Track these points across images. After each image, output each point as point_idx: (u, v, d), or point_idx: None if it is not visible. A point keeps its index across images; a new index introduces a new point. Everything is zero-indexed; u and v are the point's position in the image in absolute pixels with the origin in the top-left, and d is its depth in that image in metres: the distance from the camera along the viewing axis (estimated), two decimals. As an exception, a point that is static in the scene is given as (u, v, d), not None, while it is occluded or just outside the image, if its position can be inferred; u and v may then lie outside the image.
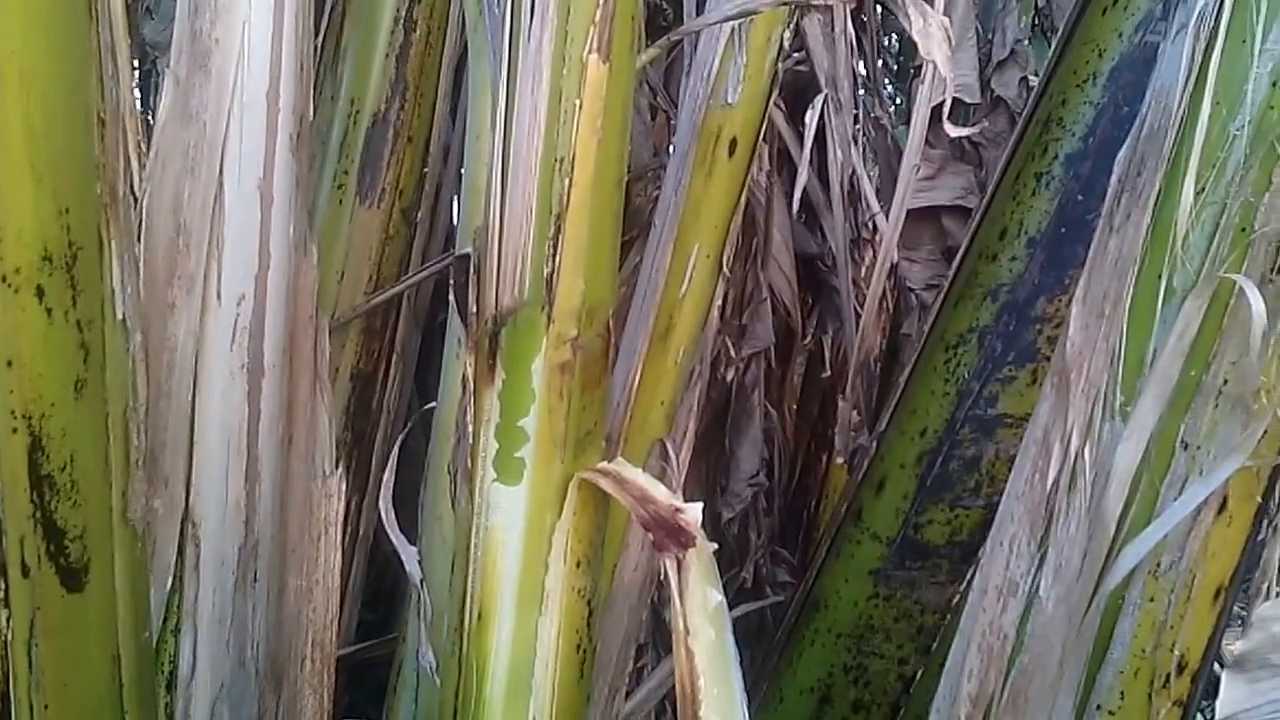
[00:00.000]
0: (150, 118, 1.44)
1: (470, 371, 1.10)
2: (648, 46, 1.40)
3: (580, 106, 1.03)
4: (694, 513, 1.07)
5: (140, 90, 3.45)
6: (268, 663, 1.57)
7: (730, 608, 1.10)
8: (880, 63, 2.76)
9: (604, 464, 1.13)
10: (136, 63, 3.33)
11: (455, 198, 2.06)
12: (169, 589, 1.47)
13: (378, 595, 2.31)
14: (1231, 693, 1.20)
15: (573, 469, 1.11)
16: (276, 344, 1.52)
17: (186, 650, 1.50)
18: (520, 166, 1.04)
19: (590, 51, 1.02)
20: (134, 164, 1.23)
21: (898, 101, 3.33)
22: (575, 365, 1.09)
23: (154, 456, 1.42)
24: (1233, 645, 1.21)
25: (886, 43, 3.18)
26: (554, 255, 1.05)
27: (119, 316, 1.13)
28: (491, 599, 1.12)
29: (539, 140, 1.03)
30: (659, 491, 1.09)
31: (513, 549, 1.11)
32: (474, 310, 1.09)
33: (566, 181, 1.04)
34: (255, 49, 1.44)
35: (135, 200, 1.24)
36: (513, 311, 1.06)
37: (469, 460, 1.12)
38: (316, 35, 1.83)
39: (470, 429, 1.11)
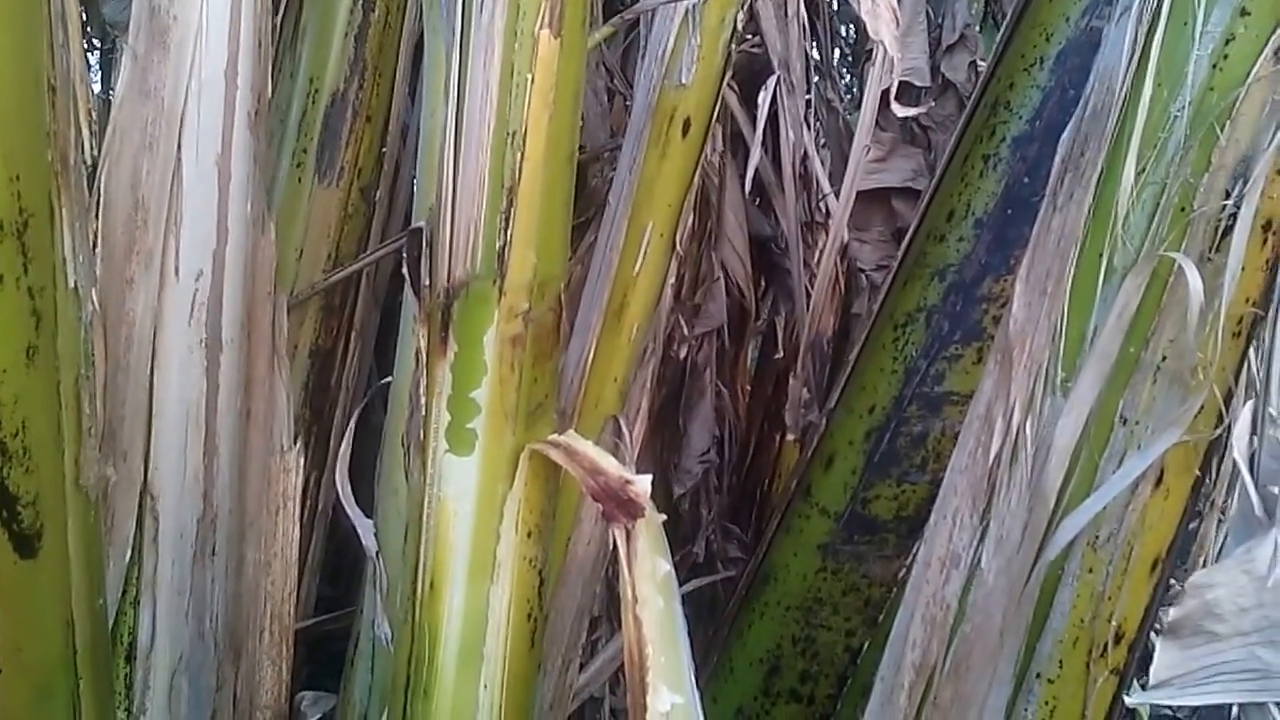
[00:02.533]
0: (110, 98, 1.45)
1: (423, 344, 1.11)
2: (603, 25, 1.41)
3: (532, 81, 1.04)
4: (643, 484, 1.08)
5: (101, 71, 3.44)
6: (226, 634, 1.58)
7: (682, 583, 1.12)
8: (835, 50, 2.78)
9: (555, 436, 1.14)
10: (97, 43, 3.32)
11: (414, 177, 2.07)
12: (128, 561, 1.48)
13: (338, 571, 2.32)
14: (1165, 658, 1.23)
15: (524, 440, 1.12)
16: (235, 320, 1.53)
17: (145, 622, 1.51)
18: (472, 140, 1.05)
19: (542, 26, 1.03)
20: (85, 132, 1.24)
21: (852, 91, 3.35)
22: (526, 338, 1.10)
23: (112, 430, 1.43)
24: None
25: (843, 31, 3.20)
26: (506, 229, 1.06)
27: (71, 284, 1.13)
28: (444, 568, 1.13)
29: (491, 114, 1.04)
30: (608, 463, 1.10)
31: (464, 519, 1.12)
32: (427, 283, 1.10)
33: (518, 156, 1.05)
34: (213, 26, 1.45)
35: (87, 169, 1.25)
36: (465, 284, 1.07)
37: (421, 431, 1.13)
38: (275, 13, 1.84)
39: (423, 401, 1.12)
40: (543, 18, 1.03)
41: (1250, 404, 1.22)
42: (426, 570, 1.14)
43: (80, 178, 1.16)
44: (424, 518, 1.13)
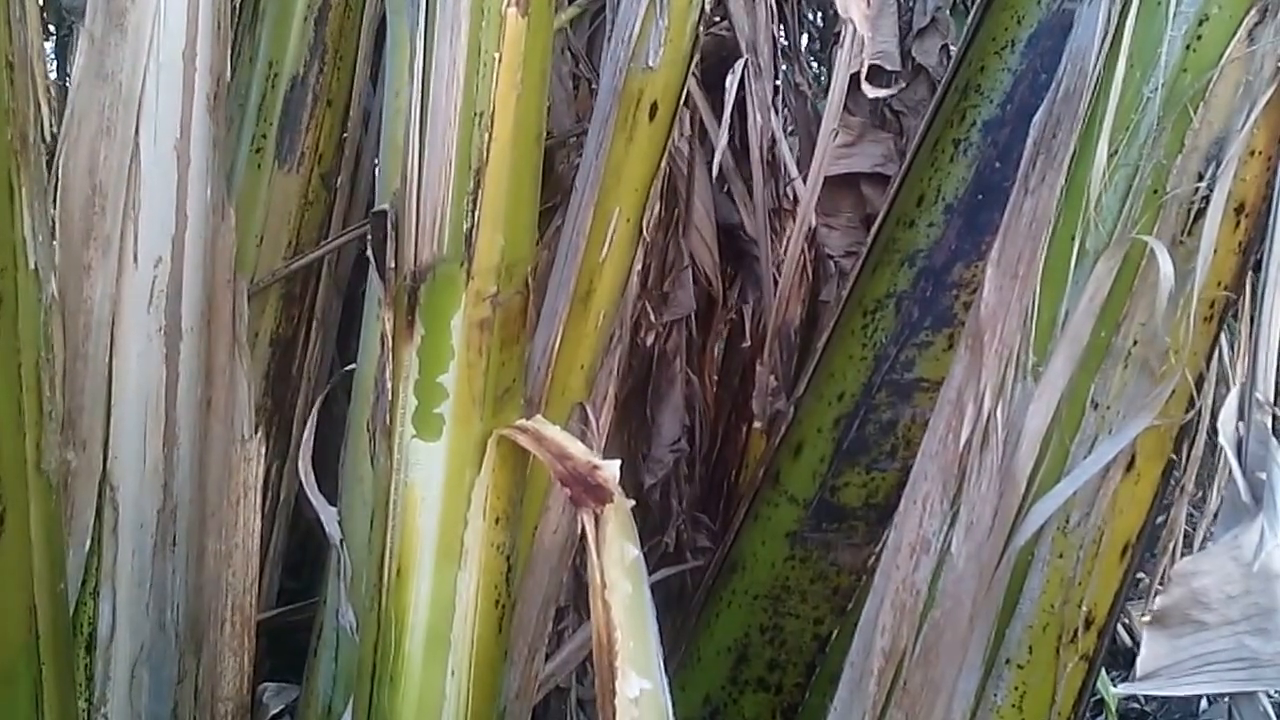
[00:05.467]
0: (66, 84, 1.44)
1: (389, 328, 1.10)
2: (569, 5, 1.40)
3: (499, 60, 1.03)
4: (611, 469, 1.07)
5: (56, 57, 3.42)
6: (188, 626, 1.57)
7: (651, 572, 1.11)
8: (803, 35, 2.77)
9: (522, 421, 1.13)
10: (53, 28, 3.29)
11: (375, 163, 2.06)
12: (87, 551, 1.47)
13: (300, 564, 2.31)
14: (1153, 649, 1.22)
15: (492, 426, 1.12)
16: (194, 307, 1.52)
17: (106, 612, 1.50)
18: (439, 121, 1.04)
19: (509, 4, 1.02)
20: (44, 111, 1.22)
21: (820, 79, 3.35)
22: (494, 322, 1.09)
23: (71, 419, 1.42)
24: (1143, 614, 1.22)
25: (811, 18, 3.19)
26: (473, 210, 1.05)
27: (31, 265, 1.12)
28: (411, 554, 1.12)
29: (458, 94, 1.03)
30: (576, 448, 1.10)
31: (432, 504, 1.11)
32: (392, 267, 1.09)
33: (486, 136, 1.04)
34: (171, 8, 1.44)
35: (46, 148, 1.23)
36: (432, 267, 1.06)
37: (388, 417, 1.12)
38: (234, -4, 1.82)
39: (389, 385, 1.11)
40: (510, -5, 1.02)
41: (1238, 389, 1.21)
42: (393, 557, 1.13)
43: (40, 156, 1.15)
44: (391, 503, 1.12)
